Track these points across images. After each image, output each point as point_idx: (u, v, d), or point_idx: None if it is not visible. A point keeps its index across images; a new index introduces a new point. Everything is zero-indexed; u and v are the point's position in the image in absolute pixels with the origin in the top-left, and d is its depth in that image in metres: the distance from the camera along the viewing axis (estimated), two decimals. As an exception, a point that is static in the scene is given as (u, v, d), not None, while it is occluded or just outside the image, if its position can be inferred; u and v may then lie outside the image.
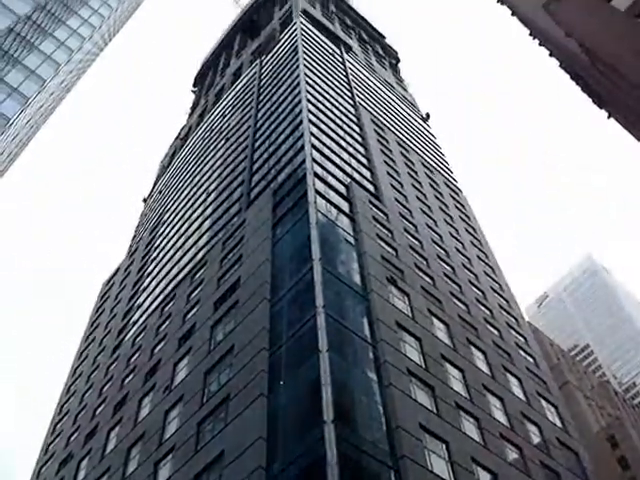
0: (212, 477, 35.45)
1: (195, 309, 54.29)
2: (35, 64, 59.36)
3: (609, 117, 43.79)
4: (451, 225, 73.45)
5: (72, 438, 60.19)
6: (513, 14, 56.37)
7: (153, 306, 64.91)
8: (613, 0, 29.08)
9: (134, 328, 65.80)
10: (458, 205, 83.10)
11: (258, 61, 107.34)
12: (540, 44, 54.02)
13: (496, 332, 56.62)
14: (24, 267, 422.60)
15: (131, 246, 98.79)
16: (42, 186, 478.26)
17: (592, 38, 33.93)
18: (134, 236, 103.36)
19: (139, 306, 69.60)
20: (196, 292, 57.02)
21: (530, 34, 54.60)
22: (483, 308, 59.18)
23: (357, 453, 30.97)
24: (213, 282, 54.57)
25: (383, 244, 52.23)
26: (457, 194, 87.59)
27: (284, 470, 30.84)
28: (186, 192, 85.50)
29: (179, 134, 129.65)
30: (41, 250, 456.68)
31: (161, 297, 64.71)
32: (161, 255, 75.48)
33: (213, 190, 75.09)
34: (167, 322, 58.25)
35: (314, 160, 57.21)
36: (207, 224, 68.75)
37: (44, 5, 60.60)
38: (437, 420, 37.60)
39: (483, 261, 71.68)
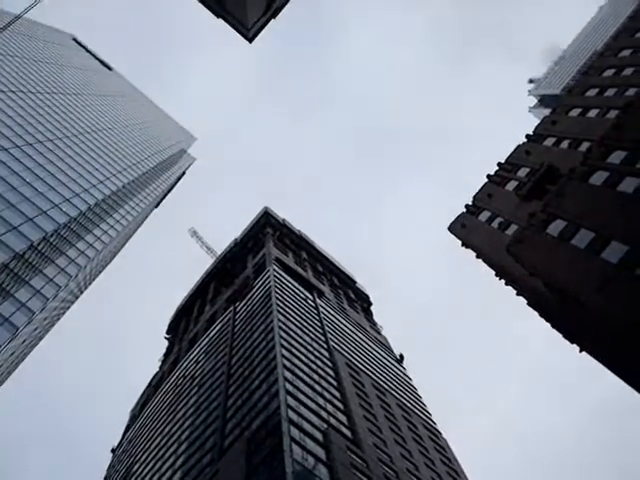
0: None
1: None
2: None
3: (581, 351, 44.00)
4: (433, 469, 70.68)
5: None
6: (478, 257, 58.56)
7: None
8: (573, 239, 30.31)
9: None
10: (438, 447, 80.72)
11: (232, 307, 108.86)
12: (507, 283, 55.54)
13: None
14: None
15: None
16: (14, 423, 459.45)
17: (556, 276, 34.92)
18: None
19: None
20: None
21: (496, 274, 56.34)
22: None
23: None
24: (182, 541, 50.70)
25: (363, 493, 49.62)
26: (437, 436, 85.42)
27: None
28: (157, 442, 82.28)
29: (151, 382, 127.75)
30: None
31: None
32: (127, 512, 70.86)
33: (185, 440, 72.35)
34: None
35: (289, 406, 55.95)
36: (178, 476, 65.36)
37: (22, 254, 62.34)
38: None
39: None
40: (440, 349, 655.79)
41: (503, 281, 55.75)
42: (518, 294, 54.58)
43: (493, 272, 56.96)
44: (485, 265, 58.38)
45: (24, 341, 75.01)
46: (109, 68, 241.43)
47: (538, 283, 40.60)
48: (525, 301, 52.95)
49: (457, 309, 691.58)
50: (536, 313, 51.65)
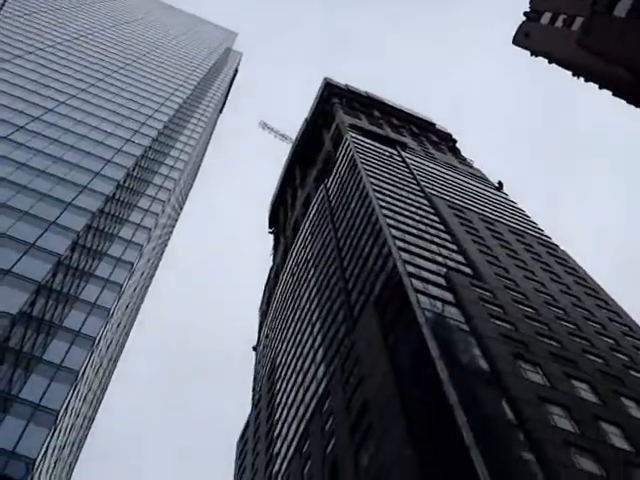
0: None
1: (332, 442, 53.16)
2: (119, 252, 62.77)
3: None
4: (559, 282, 71.09)
5: None
6: (550, 61, 56.28)
7: (291, 451, 64.00)
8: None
9: (278, 478, 64.81)
10: (559, 260, 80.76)
11: (322, 185, 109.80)
12: (586, 80, 53.39)
13: (644, 376, 53.21)
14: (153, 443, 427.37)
15: (254, 397, 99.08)
16: (147, 357, 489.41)
17: (635, 57, 33.33)
18: (254, 387, 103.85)
19: (277, 454, 68.76)
20: (328, 425, 56.04)
21: (573, 74, 54.16)
22: (620, 355, 56.03)
23: None
24: (342, 410, 53.60)
25: (498, 322, 50.71)
26: (555, 250, 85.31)
27: None
28: (291, 329, 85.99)
29: (269, 276, 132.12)
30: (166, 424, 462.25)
31: (296, 440, 63.87)
32: (284, 398, 75.18)
33: (317, 319, 75.26)
34: (309, 463, 57.11)
35: (404, 261, 57.02)
36: (320, 354, 68.49)
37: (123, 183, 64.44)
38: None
39: (604, 308, 68.59)
40: (536, 164, 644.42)
41: (582, 79, 53.56)
42: (600, 88, 52.40)
43: (570, 73, 54.75)
44: (560, 68, 56.05)
45: (142, 274, 78.62)
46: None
47: (618, 69, 38.86)
48: (610, 92, 50.89)
49: (539, 122, 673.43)
50: (623, 101, 49.68)
